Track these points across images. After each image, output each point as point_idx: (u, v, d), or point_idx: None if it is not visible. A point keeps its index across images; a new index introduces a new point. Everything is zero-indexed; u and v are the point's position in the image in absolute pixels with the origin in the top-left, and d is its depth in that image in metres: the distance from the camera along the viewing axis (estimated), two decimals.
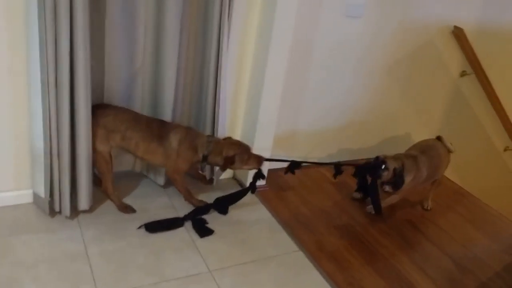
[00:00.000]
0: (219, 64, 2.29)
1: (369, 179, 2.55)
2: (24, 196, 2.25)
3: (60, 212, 2.19)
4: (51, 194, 2.16)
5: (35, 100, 2.01)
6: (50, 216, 2.19)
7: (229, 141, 2.33)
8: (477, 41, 3.16)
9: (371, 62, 2.97)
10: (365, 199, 2.72)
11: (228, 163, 2.24)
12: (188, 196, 2.41)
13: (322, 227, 2.49)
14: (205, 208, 2.39)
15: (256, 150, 2.50)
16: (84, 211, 2.25)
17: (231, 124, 2.62)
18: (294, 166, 2.46)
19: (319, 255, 2.26)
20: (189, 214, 2.34)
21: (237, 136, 2.65)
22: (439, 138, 2.76)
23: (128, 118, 2.22)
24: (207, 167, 2.54)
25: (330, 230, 2.47)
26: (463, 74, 3.31)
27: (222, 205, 2.43)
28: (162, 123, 2.28)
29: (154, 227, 2.24)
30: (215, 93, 2.36)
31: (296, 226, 2.45)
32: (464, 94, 3.42)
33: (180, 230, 2.27)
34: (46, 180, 2.11)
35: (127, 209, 2.33)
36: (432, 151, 2.66)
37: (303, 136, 2.99)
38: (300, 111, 2.91)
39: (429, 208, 2.80)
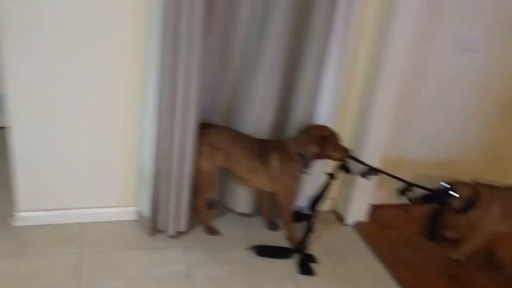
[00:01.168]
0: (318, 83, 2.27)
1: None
2: (127, 213, 2.35)
3: (163, 231, 2.26)
4: (155, 214, 2.23)
5: (147, 124, 2.09)
6: (151, 236, 2.26)
7: (315, 125, 2.25)
8: None
9: (486, 99, 2.79)
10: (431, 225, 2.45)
11: (322, 144, 2.14)
12: (292, 233, 2.34)
13: (429, 273, 2.34)
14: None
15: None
16: (186, 233, 2.30)
17: None
18: (370, 171, 2.34)
19: None
20: (302, 247, 2.30)
21: None
22: None
23: (231, 135, 2.23)
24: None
25: (437, 277, 2.32)
26: None
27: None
28: (263, 141, 2.25)
29: (263, 251, 2.26)
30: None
31: (400, 269, 2.32)
32: None
33: (284, 262, 2.24)
34: (151, 200, 2.19)
35: (213, 230, 2.36)
36: None
37: (404, 162, 2.86)
38: (406, 135, 2.80)
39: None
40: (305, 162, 2.19)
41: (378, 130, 2.48)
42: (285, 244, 2.35)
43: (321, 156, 2.20)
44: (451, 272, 2.37)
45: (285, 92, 2.30)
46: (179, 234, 2.28)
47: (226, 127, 2.30)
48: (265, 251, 2.28)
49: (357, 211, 2.64)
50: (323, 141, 2.16)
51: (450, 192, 2.23)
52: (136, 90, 2.11)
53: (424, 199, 2.34)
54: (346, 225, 2.61)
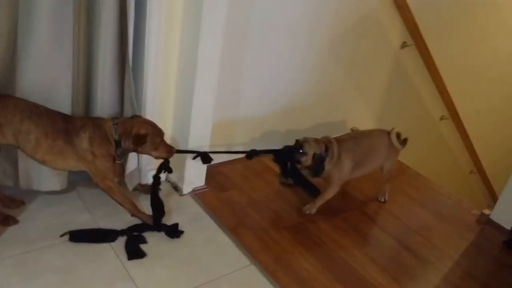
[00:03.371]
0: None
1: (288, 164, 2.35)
2: None
3: None
4: None
5: None
6: None
7: (141, 119, 1.98)
8: (417, 11, 2.98)
9: (309, 38, 2.68)
10: (295, 184, 2.52)
11: (138, 142, 1.90)
12: (133, 209, 2.02)
13: (273, 231, 2.21)
14: (146, 225, 2.04)
15: (193, 139, 2.22)
16: None
17: (160, 113, 2.20)
18: (205, 157, 2.22)
19: (273, 267, 1.99)
20: (128, 228, 2.00)
21: (169, 127, 2.28)
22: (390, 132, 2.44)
23: (23, 107, 1.76)
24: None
25: (282, 233, 2.21)
26: (403, 45, 3.14)
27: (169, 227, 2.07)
28: (67, 117, 1.87)
29: (80, 236, 1.92)
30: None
31: (244, 234, 2.15)
32: (404, 66, 3.27)
33: (109, 256, 1.88)
34: None
35: (9, 220, 1.92)
36: (365, 139, 2.39)
37: (243, 123, 2.67)
38: (238, 95, 2.58)
39: (383, 200, 2.60)
40: (119, 150, 1.91)
41: (204, 95, 2.19)
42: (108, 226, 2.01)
43: (138, 152, 1.99)
44: (294, 223, 2.30)
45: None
46: None
47: (15, 97, 1.81)
48: (81, 236, 1.93)
49: (194, 177, 2.38)
50: (139, 139, 1.90)
51: (299, 150, 2.20)
52: None
53: (278, 159, 2.36)
54: (183, 195, 2.34)
